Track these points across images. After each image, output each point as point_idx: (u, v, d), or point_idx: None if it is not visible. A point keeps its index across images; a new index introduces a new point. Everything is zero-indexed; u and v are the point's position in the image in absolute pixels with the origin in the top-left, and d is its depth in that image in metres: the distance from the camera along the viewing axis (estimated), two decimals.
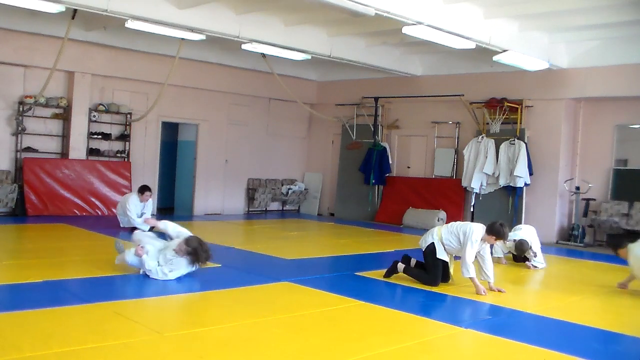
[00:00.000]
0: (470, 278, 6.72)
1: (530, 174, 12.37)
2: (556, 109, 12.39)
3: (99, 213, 12.59)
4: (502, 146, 12.65)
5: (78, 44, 11.85)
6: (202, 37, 10.59)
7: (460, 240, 6.86)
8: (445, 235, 7.03)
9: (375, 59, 13.06)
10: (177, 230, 7.07)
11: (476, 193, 13.13)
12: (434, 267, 7.06)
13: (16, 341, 4.24)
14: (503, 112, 12.62)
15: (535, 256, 8.56)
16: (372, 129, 14.79)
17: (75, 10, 9.63)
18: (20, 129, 11.83)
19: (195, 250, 6.45)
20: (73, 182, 12.28)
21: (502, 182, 12.67)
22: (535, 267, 8.58)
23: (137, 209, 10.38)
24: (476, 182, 12.93)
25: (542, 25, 10.70)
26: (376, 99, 14.77)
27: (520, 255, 8.66)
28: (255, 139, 15.63)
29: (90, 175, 12.58)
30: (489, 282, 6.88)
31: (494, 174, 12.76)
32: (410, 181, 14.55)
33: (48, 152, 12.35)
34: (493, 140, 12.82)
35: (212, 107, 14.66)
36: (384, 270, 7.49)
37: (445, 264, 7.12)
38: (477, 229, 6.79)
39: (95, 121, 12.77)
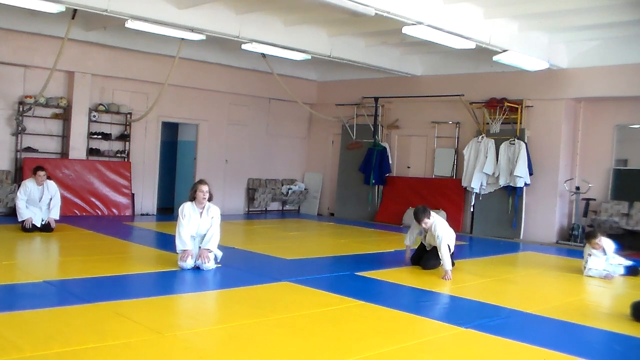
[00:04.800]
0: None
1: (530, 174, 12.37)
2: (556, 109, 12.39)
3: (99, 213, 12.60)
4: (502, 146, 12.65)
5: (78, 44, 11.86)
6: (202, 37, 10.58)
7: None
8: None
9: (375, 59, 13.06)
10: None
11: (476, 193, 13.12)
12: None
13: (16, 341, 4.24)
14: (503, 112, 12.61)
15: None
16: (372, 129, 14.78)
17: (75, 10, 9.63)
18: (20, 129, 11.83)
19: None
20: (73, 182, 12.28)
21: (502, 182, 12.66)
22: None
23: (34, 194, 9.56)
24: (476, 182, 12.92)
25: (542, 25, 10.69)
26: (376, 99, 14.77)
27: None
28: (255, 139, 15.62)
29: (90, 175, 12.59)
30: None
31: (494, 174, 12.75)
32: (410, 181, 14.55)
33: (48, 152, 12.35)
34: (493, 140, 12.81)
35: (212, 107, 14.66)
36: (384, 270, 7.50)
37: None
38: None
39: (95, 121, 12.77)
